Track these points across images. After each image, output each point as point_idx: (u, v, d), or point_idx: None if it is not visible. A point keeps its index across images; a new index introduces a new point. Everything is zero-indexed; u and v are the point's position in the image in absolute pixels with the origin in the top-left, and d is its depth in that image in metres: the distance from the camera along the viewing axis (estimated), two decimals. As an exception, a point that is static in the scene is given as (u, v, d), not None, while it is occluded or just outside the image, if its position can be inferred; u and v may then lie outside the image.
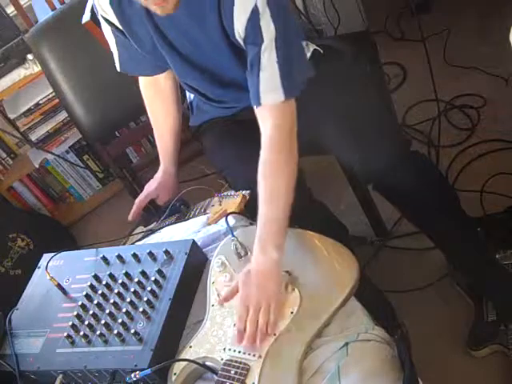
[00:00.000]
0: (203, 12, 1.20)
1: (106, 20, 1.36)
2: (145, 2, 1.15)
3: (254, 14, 1.13)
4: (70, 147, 2.61)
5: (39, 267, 1.38)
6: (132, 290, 1.18)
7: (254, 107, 1.21)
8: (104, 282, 1.22)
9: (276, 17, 1.14)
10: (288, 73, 1.18)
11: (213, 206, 1.38)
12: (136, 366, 1.06)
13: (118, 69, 1.49)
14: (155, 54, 1.36)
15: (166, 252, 1.22)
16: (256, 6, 1.12)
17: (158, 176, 1.62)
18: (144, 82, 1.57)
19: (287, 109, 1.20)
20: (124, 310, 1.15)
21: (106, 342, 1.13)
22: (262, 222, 1.12)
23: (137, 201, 1.59)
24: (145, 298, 1.15)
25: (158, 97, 1.58)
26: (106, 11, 1.33)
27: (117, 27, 1.35)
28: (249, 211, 1.31)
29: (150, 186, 1.61)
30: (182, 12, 1.20)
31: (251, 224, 1.27)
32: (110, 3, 1.30)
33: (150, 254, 1.23)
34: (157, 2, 1.14)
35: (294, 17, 1.29)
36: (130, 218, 1.57)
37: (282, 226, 1.12)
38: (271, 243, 1.10)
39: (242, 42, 1.20)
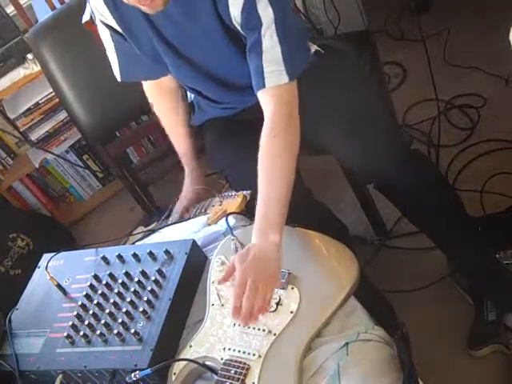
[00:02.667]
0: (197, 6, 1.20)
1: (105, 24, 1.35)
2: (132, 3, 1.14)
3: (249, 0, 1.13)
4: (69, 147, 2.61)
5: (39, 267, 1.38)
6: (132, 289, 1.18)
7: (257, 91, 1.21)
8: (104, 282, 1.22)
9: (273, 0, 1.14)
10: (290, 54, 1.18)
11: (213, 206, 1.38)
12: (136, 365, 1.06)
13: (119, 79, 1.47)
14: (155, 56, 1.36)
15: (166, 252, 1.22)
16: None
17: (188, 181, 1.60)
18: (148, 86, 1.57)
19: (290, 90, 1.20)
20: (124, 309, 1.15)
21: (105, 341, 1.13)
22: (262, 203, 1.12)
23: (180, 209, 1.55)
24: (145, 298, 1.15)
25: (162, 97, 1.57)
26: (104, 15, 1.32)
27: (116, 31, 1.35)
28: (249, 211, 1.31)
29: (188, 193, 1.58)
30: (175, 7, 1.20)
31: (251, 224, 1.26)
32: (108, 6, 1.29)
33: (150, 253, 1.23)
34: (144, 4, 1.14)
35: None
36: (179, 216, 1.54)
37: (282, 208, 1.11)
38: (271, 225, 1.09)
39: (239, 28, 1.20)
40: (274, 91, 1.19)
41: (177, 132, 1.61)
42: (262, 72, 1.18)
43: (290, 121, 1.18)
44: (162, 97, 1.57)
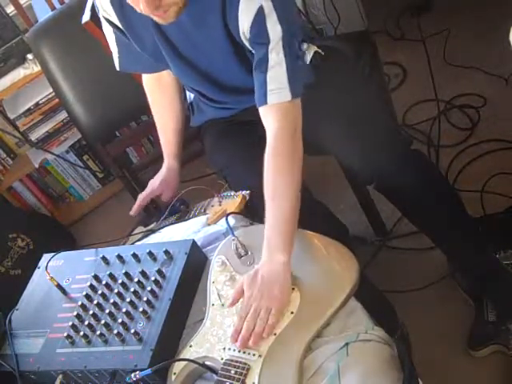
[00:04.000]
0: (206, 15, 1.20)
1: (108, 20, 1.36)
2: (145, 13, 1.14)
3: (260, 15, 1.13)
4: (69, 147, 2.61)
5: (39, 267, 1.38)
6: (132, 289, 1.18)
7: (259, 107, 1.21)
8: (104, 282, 1.22)
9: (282, 17, 1.14)
10: (294, 73, 1.18)
11: (213, 206, 1.39)
12: (136, 365, 1.06)
13: (118, 68, 1.48)
14: (157, 56, 1.36)
15: (166, 252, 1.22)
16: (261, 6, 1.12)
17: (162, 172, 1.61)
18: (147, 78, 1.57)
19: (293, 109, 1.20)
20: (124, 309, 1.15)
21: (105, 342, 1.13)
22: (269, 224, 1.12)
23: (140, 196, 1.58)
24: (145, 298, 1.15)
25: (160, 91, 1.57)
26: (108, 12, 1.33)
27: (118, 28, 1.35)
28: (249, 211, 1.31)
29: (154, 183, 1.59)
30: (185, 16, 1.20)
31: (251, 224, 1.27)
32: (112, 5, 1.30)
33: (150, 253, 1.23)
34: (157, 14, 1.14)
35: (297, 16, 1.29)
36: (131, 212, 1.57)
37: (289, 226, 1.12)
38: (278, 246, 1.10)
39: (246, 43, 1.20)
40: (276, 108, 1.19)
41: (165, 124, 1.60)
42: (266, 89, 1.18)
43: (293, 139, 1.18)
44: (159, 90, 1.57)
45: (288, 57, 1.17)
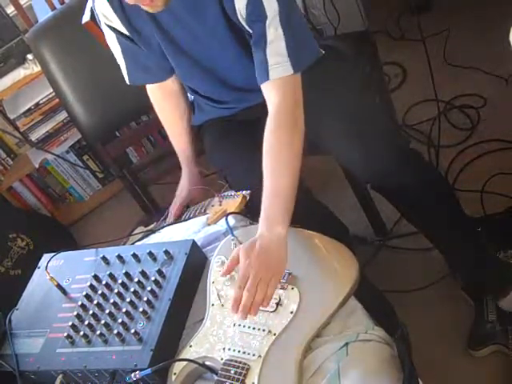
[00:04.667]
0: (204, 5, 1.20)
1: (111, 27, 1.35)
2: (132, 2, 1.14)
3: None
4: (69, 147, 2.61)
5: (39, 267, 1.38)
6: (132, 290, 1.18)
7: (261, 83, 1.20)
8: (104, 282, 1.22)
9: None
10: (295, 46, 1.18)
11: (213, 206, 1.38)
12: (136, 365, 1.06)
13: (128, 82, 1.48)
14: (162, 54, 1.36)
15: (166, 252, 1.22)
16: None
17: (185, 184, 1.60)
18: (151, 88, 1.57)
19: (294, 83, 1.19)
20: (124, 309, 1.15)
21: (105, 341, 1.13)
22: (268, 196, 1.11)
23: (173, 211, 1.56)
24: (145, 298, 1.15)
25: (166, 99, 1.57)
26: (109, 19, 1.32)
27: (122, 33, 1.35)
28: (249, 211, 1.31)
29: (182, 192, 1.59)
30: (180, 5, 1.20)
31: (251, 224, 1.27)
32: (114, 10, 1.29)
33: (150, 254, 1.23)
34: (144, 3, 1.14)
35: None
36: (172, 219, 1.54)
37: (287, 201, 1.11)
38: (277, 217, 1.09)
39: (243, 23, 1.20)
40: (278, 83, 1.18)
41: (177, 132, 1.62)
42: (266, 64, 1.18)
43: (294, 113, 1.17)
44: (164, 97, 1.57)
45: (287, 31, 1.16)
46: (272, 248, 1.06)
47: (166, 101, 1.58)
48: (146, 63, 1.41)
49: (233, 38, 1.26)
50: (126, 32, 1.34)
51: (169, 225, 1.47)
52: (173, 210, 1.57)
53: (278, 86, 1.19)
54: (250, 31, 1.21)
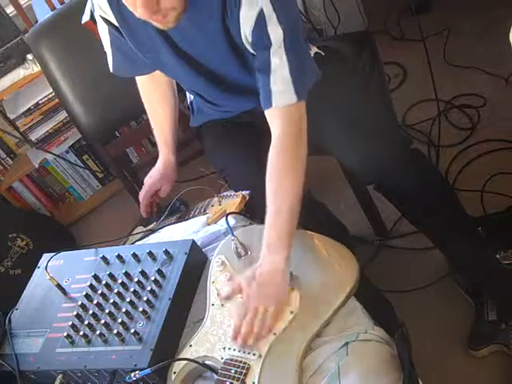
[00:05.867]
0: (206, 20, 1.20)
1: (104, 19, 1.35)
2: (143, 17, 1.13)
3: (260, 19, 1.12)
4: (69, 147, 2.61)
5: (39, 267, 1.38)
6: (132, 289, 1.18)
7: (265, 109, 1.20)
8: (104, 282, 1.22)
9: (283, 19, 1.13)
10: (299, 74, 1.17)
11: (212, 206, 1.38)
12: (136, 365, 1.06)
13: (111, 70, 1.48)
14: (153, 55, 1.36)
15: (166, 252, 1.22)
16: (262, 10, 1.11)
17: (158, 167, 1.61)
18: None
19: (298, 111, 1.19)
20: (124, 309, 1.15)
21: (105, 341, 1.13)
22: (269, 224, 1.12)
23: (141, 196, 1.59)
24: (144, 298, 1.15)
25: (154, 86, 1.57)
26: (105, 11, 1.32)
27: (115, 27, 1.35)
28: (249, 211, 1.31)
29: (152, 178, 1.59)
30: (185, 20, 1.20)
31: (251, 224, 1.27)
32: (109, 3, 1.29)
33: (150, 253, 1.23)
34: (155, 19, 1.13)
35: (299, 15, 1.28)
36: (143, 214, 1.58)
37: (288, 229, 1.11)
38: (277, 247, 1.10)
39: (248, 47, 1.20)
40: (282, 111, 1.18)
41: (161, 121, 1.60)
42: (270, 91, 1.17)
43: (298, 138, 1.17)
44: (152, 85, 1.57)
45: (291, 59, 1.16)
46: (272, 277, 1.07)
47: (154, 88, 1.57)
48: (133, 57, 1.41)
49: (231, 51, 1.26)
50: (118, 26, 1.33)
51: (168, 225, 1.47)
52: (142, 197, 1.58)
53: (282, 113, 1.18)
54: (254, 53, 1.21)
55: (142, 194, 1.59)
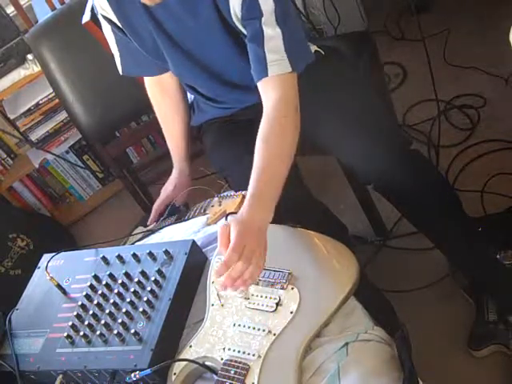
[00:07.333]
0: (198, 2, 1.20)
1: (106, 18, 1.35)
2: None
3: None
4: (70, 147, 2.61)
5: (39, 267, 1.38)
6: (132, 290, 1.18)
7: (258, 80, 1.20)
8: (104, 282, 1.22)
9: None
10: (292, 46, 1.18)
11: (212, 206, 1.38)
12: (136, 366, 1.06)
13: (121, 72, 1.48)
14: (156, 52, 1.36)
15: (166, 252, 1.22)
16: None
17: (174, 177, 1.62)
18: (149, 82, 1.57)
19: (292, 81, 1.19)
20: (124, 310, 1.15)
21: (105, 342, 1.13)
22: (257, 177, 1.10)
23: (155, 206, 1.60)
24: (145, 298, 1.15)
25: (164, 95, 1.57)
26: (105, 10, 1.33)
27: (117, 26, 1.35)
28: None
29: (167, 189, 1.61)
30: (176, 2, 1.20)
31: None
32: (109, 2, 1.30)
33: (150, 254, 1.23)
34: None
35: None
36: (149, 223, 1.58)
37: (278, 186, 1.10)
38: (265, 197, 1.09)
39: (239, 24, 1.20)
40: (276, 80, 1.18)
41: (173, 129, 1.61)
42: (265, 61, 1.17)
43: (290, 107, 1.17)
44: (162, 95, 1.57)
45: (284, 29, 1.16)
46: (259, 228, 1.05)
47: (163, 96, 1.57)
48: (138, 57, 1.41)
49: (226, 36, 1.26)
50: (120, 25, 1.34)
51: (169, 225, 1.47)
52: (156, 205, 1.58)
53: (277, 82, 1.19)
54: (245, 32, 1.21)
55: (156, 205, 1.59)
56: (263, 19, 1.15)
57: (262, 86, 1.21)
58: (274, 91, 1.18)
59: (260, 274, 1.04)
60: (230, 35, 1.26)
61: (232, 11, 1.18)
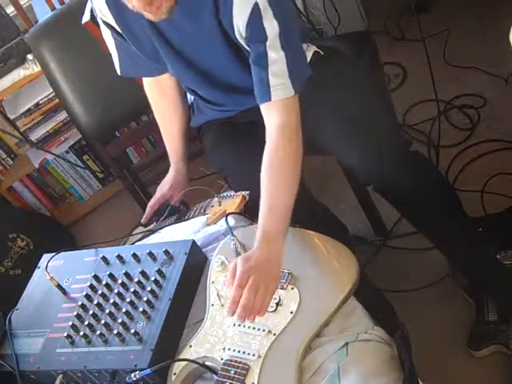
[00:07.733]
0: (200, 11, 1.20)
1: (106, 23, 1.35)
2: (137, 9, 1.13)
3: (255, 13, 1.13)
4: (70, 147, 2.60)
5: (39, 267, 1.38)
6: (132, 290, 1.18)
7: (261, 103, 1.21)
8: (104, 282, 1.22)
9: (278, 12, 1.13)
10: (294, 66, 1.18)
11: (212, 206, 1.39)
12: (136, 365, 1.06)
13: (119, 72, 1.48)
14: (156, 57, 1.36)
15: (166, 252, 1.22)
16: (256, 3, 1.12)
17: (170, 176, 1.62)
18: (147, 82, 1.57)
19: (295, 104, 1.20)
20: (124, 309, 1.15)
21: (105, 341, 1.13)
22: (267, 209, 1.11)
23: (150, 204, 1.59)
24: (145, 298, 1.15)
25: (162, 95, 1.57)
26: (105, 15, 1.33)
27: (116, 31, 1.35)
28: (248, 211, 1.31)
29: (163, 188, 1.61)
30: (179, 13, 1.20)
31: (251, 224, 1.27)
32: (109, 7, 1.29)
33: (150, 254, 1.23)
34: (149, 11, 1.13)
35: (293, 7, 1.29)
36: (143, 221, 1.58)
37: (287, 215, 1.12)
38: (275, 230, 1.09)
39: (242, 41, 1.20)
40: (279, 104, 1.19)
41: (171, 129, 1.61)
42: (268, 84, 1.18)
43: (294, 132, 1.18)
44: (160, 95, 1.57)
45: (287, 53, 1.16)
46: (269, 258, 1.06)
47: (161, 96, 1.57)
48: (137, 60, 1.41)
49: (228, 49, 1.26)
50: (120, 30, 1.34)
51: (169, 225, 1.47)
52: (151, 203, 1.58)
53: (280, 106, 1.19)
54: (248, 48, 1.21)
55: (151, 203, 1.59)
56: (268, 43, 1.15)
57: (264, 109, 1.21)
58: (277, 115, 1.19)
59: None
60: (231, 48, 1.26)
61: (236, 29, 1.18)
